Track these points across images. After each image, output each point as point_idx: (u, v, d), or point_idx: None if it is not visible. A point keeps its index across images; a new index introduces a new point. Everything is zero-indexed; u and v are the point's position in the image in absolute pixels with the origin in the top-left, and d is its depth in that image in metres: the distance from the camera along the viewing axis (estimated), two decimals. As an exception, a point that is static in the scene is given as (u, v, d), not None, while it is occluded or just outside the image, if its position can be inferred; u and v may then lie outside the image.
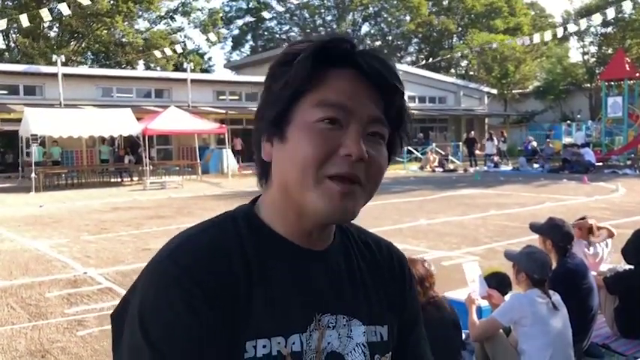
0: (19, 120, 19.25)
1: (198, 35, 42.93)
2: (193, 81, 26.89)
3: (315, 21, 50.87)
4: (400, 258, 1.03)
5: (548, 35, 25.25)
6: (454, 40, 49.81)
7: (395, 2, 48.57)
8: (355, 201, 0.83)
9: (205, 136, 25.59)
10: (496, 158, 24.69)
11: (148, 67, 39.59)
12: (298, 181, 0.82)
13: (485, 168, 23.81)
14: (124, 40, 38.00)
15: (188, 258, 0.81)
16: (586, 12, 32.70)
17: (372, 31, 52.63)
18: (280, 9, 49.88)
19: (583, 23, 24.58)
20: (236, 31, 53.87)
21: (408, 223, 9.75)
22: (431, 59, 37.31)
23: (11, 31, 33.81)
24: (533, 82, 43.00)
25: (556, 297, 3.21)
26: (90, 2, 19.16)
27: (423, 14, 47.33)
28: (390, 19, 50.38)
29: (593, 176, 18.22)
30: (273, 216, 0.88)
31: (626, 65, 23.27)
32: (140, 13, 38.72)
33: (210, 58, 54.00)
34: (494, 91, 38.44)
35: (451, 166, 24.27)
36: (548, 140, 26.49)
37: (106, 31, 37.05)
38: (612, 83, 24.47)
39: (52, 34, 37.14)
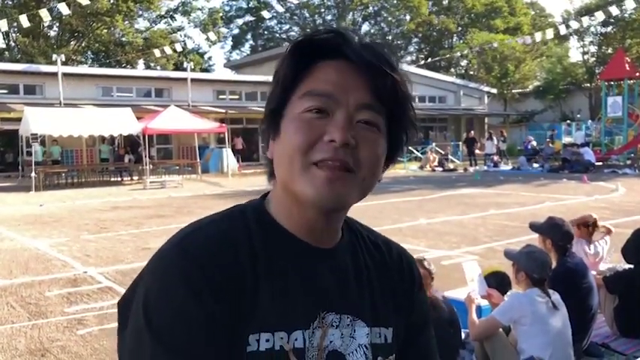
0: (19, 119, 19.25)
1: (198, 34, 42.98)
2: (193, 80, 26.87)
3: (315, 20, 50.84)
4: (409, 261, 1.03)
5: (549, 34, 25.26)
6: (454, 40, 49.81)
7: (395, 2, 48.57)
8: (345, 188, 0.82)
9: (205, 135, 25.59)
10: (496, 158, 24.69)
11: (148, 67, 39.59)
12: (288, 170, 0.83)
13: (485, 167, 23.81)
14: (123, 39, 38.00)
15: (196, 249, 0.81)
16: (586, 11, 32.67)
17: (372, 31, 52.56)
18: (280, 9, 49.87)
19: (585, 21, 24.54)
20: (236, 31, 53.90)
21: (407, 223, 9.75)
22: (430, 59, 37.24)
23: (11, 31, 33.79)
24: (533, 82, 43.01)
25: (556, 296, 3.21)
26: (89, 2, 19.10)
27: (423, 14, 47.32)
28: (390, 18, 50.38)
29: (593, 176, 18.22)
30: (280, 212, 0.89)
31: (626, 65, 23.27)
32: (140, 12, 38.72)
33: (210, 58, 54.01)
34: (494, 91, 38.43)
35: (451, 166, 24.27)
36: (548, 140, 26.49)
37: (106, 31, 37.07)
38: (612, 83, 24.47)
39: (52, 33, 37.14)
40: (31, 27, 27.33)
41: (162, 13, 40.83)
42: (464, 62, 47.91)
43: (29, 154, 18.84)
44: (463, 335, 3.59)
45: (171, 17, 41.87)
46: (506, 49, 35.59)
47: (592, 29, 39.44)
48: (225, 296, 0.80)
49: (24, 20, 18.77)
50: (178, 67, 36.15)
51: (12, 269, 6.90)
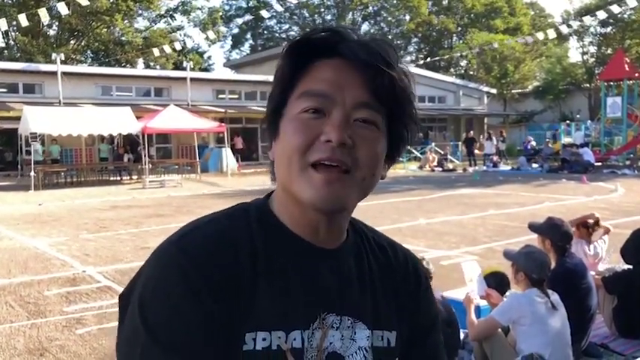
0: (18, 118, 19.22)
1: (198, 34, 42.95)
2: (193, 80, 26.86)
3: (314, 20, 50.85)
4: (415, 262, 1.02)
5: (551, 34, 25.24)
6: (454, 40, 49.84)
7: (395, 2, 48.59)
8: (344, 189, 0.81)
9: (205, 134, 25.58)
10: (495, 158, 24.70)
11: (147, 66, 39.57)
12: (287, 171, 0.83)
13: (484, 168, 23.82)
14: (123, 38, 37.98)
15: (195, 247, 0.81)
16: (585, 12, 32.70)
17: (372, 31, 52.56)
18: (280, 8, 49.88)
19: (585, 20, 24.53)
20: (236, 30, 53.92)
21: (407, 223, 9.75)
22: (430, 59, 37.26)
23: (10, 29, 33.77)
24: (533, 82, 43.05)
25: (555, 296, 3.21)
26: (88, 2, 19.08)
27: (422, 14, 47.34)
28: (389, 18, 50.41)
29: (592, 176, 18.23)
30: (282, 211, 0.89)
31: (626, 65, 23.28)
32: (140, 11, 38.70)
33: (209, 57, 53.92)
34: (494, 91, 38.45)
35: (450, 166, 24.28)
36: (547, 140, 26.50)
37: (105, 30, 37.04)
38: (611, 83, 24.49)
39: (52, 32, 37.12)
40: (31, 26, 27.33)
41: (162, 12, 40.83)
42: (463, 62, 47.94)
43: (28, 153, 18.82)
44: (462, 335, 3.59)
45: (171, 17, 41.86)
46: (505, 50, 35.60)
47: (591, 30, 39.49)
48: (222, 295, 0.79)
49: (23, 19, 18.75)
50: (178, 66, 36.14)
51: (11, 268, 6.89)
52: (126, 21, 36.83)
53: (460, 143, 29.89)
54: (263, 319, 0.82)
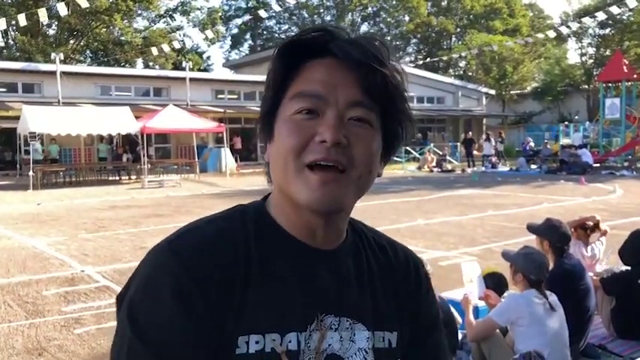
0: (17, 117, 19.22)
1: (197, 34, 42.91)
2: (192, 80, 26.86)
3: (314, 21, 50.86)
4: (416, 262, 1.01)
5: (550, 34, 25.29)
6: (453, 41, 49.88)
7: (394, 2, 48.62)
8: (340, 189, 0.81)
9: (204, 134, 25.58)
10: (494, 159, 24.72)
11: (146, 66, 39.55)
12: (283, 173, 0.83)
13: (483, 168, 23.83)
14: (122, 38, 37.96)
15: (186, 250, 0.81)
16: (584, 13, 32.75)
17: (371, 31, 52.64)
18: (279, 9, 49.89)
19: (584, 21, 24.56)
20: (235, 30, 53.93)
21: (405, 223, 9.76)
22: (428, 59, 37.29)
23: (10, 29, 33.74)
24: (532, 83, 43.11)
25: (553, 297, 3.22)
26: (88, 4, 19.06)
27: (421, 14, 47.38)
28: (389, 19, 50.45)
29: (591, 177, 18.25)
30: (279, 213, 0.88)
31: (624, 67, 23.32)
32: (139, 11, 38.69)
33: (209, 57, 53.87)
34: (493, 92, 38.50)
35: (449, 167, 24.29)
36: (545, 141, 26.54)
37: (104, 30, 37.01)
38: (610, 85, 24.52)
39: (51, 32, 37.09)
40: (30, 25, 27.30)
41: (162, 12, 40.82)
42: (462, 63, 47.98)
43: (27, 152, 18.81)
44: (460, 336, 3.59)
45: (171, 17, 41.86)
46: (504, 51, 35.64)
47: (590, 31, 39.55)
48: (214, 298, 0.79)
49: (22, 19, 18.73)
50: (177, 66, 36.14)
51: (9, 268, 6.88)
52: (125, 21, 36.80)
53: (459, 144, 29.92)
54: (257, 322, 0.81)
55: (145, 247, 7.81)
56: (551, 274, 3.41)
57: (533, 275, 3.19)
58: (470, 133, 28.23)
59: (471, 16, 48.07)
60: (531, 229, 3.92)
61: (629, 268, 4.12)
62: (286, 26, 54.06)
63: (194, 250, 0.81)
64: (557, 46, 42.03)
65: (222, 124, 21.84)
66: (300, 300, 0.84)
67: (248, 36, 55.16)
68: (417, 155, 26.79)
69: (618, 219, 9.46)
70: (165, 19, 41.79)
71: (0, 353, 4.20)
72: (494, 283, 3.82)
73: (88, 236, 8.99)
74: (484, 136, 27.38)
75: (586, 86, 39.46)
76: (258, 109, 0.91)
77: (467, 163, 25.06)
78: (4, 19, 20.11)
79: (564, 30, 29.77)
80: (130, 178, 20.84)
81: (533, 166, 23.25)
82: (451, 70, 48.72)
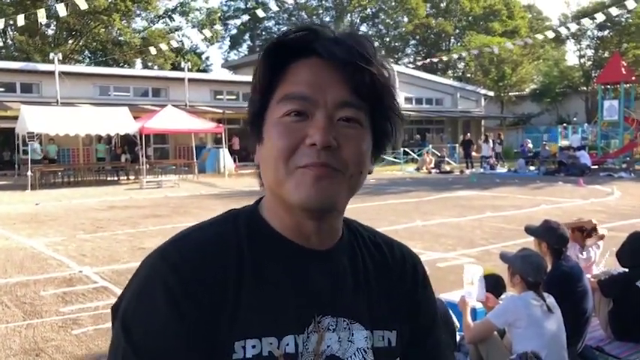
0: (15, 118, 19.20)
1: (196, 35, 42.92)
2: (191, 80, 26.85)
3: (313, 22, 50.92)
4: (414, 260, 1.00)
5: (549, 34, 25.33)
6: (451, 42, 49.95)
7: (393, 4, 48.67)
8: (332, 186, 0.80)
9: (202, 135, 25.59)
10: (492, 160, 24.75)
11: (145, 66, 39.54)
12: (274, 176, 0.82)
13: (481, 170, 23.85)
14: (121, 38, 37.95)
15: (178, 256, 0.81)
16: (582, 15, 32.82)
17: (370, 33, 52.66)
18: (278, 9, 49.90)
19: (583, 23, 24.59)
20: (234, 31, 53.95)
21: (404, 225, 9.76)
22: (427, 61, 37.31)
23: (8, 29, 33.72)
24: (530, 85, 43.19)
25: (550, 299, 3.22)
26: (87, 6, 19.04)
27: (420, 16, 47.43)
28: (387, 20, 50.50)
29: (589, 179, 18.28)
30: (271, 215, 0.88)
31: (622, 69, 23.36)
32: (138, 12, 38.68)
33: (207, 58, 53.98)
34: (491, 94, 38.56)
35: (447, 168, 24.31)
36: (544, 142, 26.58)
37: (103, 30, 37.00)
38: (608, 86, 24.56)
39: (50, 32, 37.07)
40: (28, 25, 27.28)
41: (161, 13, 40.83)
42: (461, 65, 48.03)
43: (25, 152, 18.79)
44: (458, 338, 3.59)
45: (170, 17, 41.88)
46: (503, 52, 35.70)
47: (589, 33, 39.62)
48: (206, 303, 0.79)
49: (20, 20, 18.72)
50: (176, 67, 36.13)
51: (7, 268, 6.87)
52: (124, 21, 36.79)
53: (457, 145, 29.96)
54: (252, 326, 0.80)
55: (143, 248, 7.81)
56: (549, 276, 3.41)
57: (530, 277, 3.19)
58: (468, 134, 28.26)
59: (470, 18, 48.15)
60: (529, 231, 3.92)
61: (626, 270, 4.13)
62: (285, 27, 53.87)
63: (185, 257, 0.81)
64: (555, 48, 42.10)
65: (220, 125, 21.83)
66: (296, 302, 0.83)
67: (247, 37, 55.18)
68: (416, 156, 26.82)
69: (616, 221, 9.48)
70: (164, 19, 41.85)
71: (-3, 354, 4.19)
72: (491, 284, 3.82)
73: (86, 237, 8.98)
74: (483, 138, 27.42)
75: (584, 88, 39.52)
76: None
77: (465, 165, 25.09)
78: (2, 19, 20.08)
79: (563, 31, 29.82)
80: (128, 179, 20.83)
81: (532, 168, 23.27)
82: (450, 72, 48.79)
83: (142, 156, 19.13)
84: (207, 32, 32.64)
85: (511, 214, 10.88)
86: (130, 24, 38.75)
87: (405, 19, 49.70)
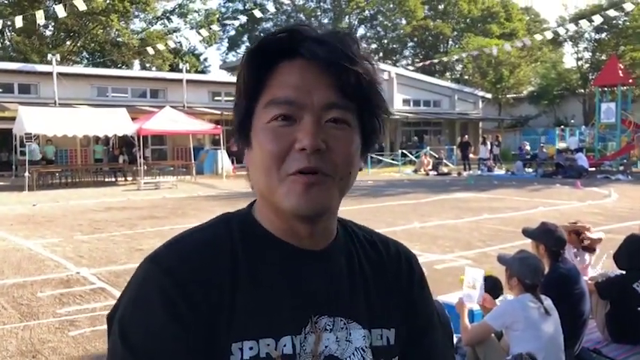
0: (13, 118, 19.17)
1: (194, 36, 42.92)
2: (189, 81, 26.85)
3: (311, 24, 50.90)
4: (410, 258, 0.99)
5: (548, 35, 25.39)
6: (449, 44, 50.03)
7: (391, 6, 48.73)
8: (323, 192, 0.80)
9: (200, 136, 25.56)
10: (490, 162, 24.78)
11: (143, 67, 39.52)
12: (265, 182, 0.82)
13: (479, 172, 23.88)
14: (119, 39, 37.92)
15: (171, 260, 0.81)
16: (580, 18, 32.91)
17: (368, 34, 52.76)
18: (275, 11, 49.94)
19: (582, 24, 24.65)
20: (232, 32, 53.94)
21: (401, 226, 9.76)
22: (425, 62, 37.38)
23: (6, 29, 33.66)
24: (528, 87, 43.30)
25: (548, 302, 3.22)
26: (85, 7, 19.02)
27: (418, 18, 47.50)
28: (386, 22, 50.55)
29: (586, 181, 18.30)
30: (264, 218, 0.88)
31: (620, 71, 23.43)
32: (136, 13, 38.66)
33: (206, 59, 53.99)
34: (489, 96, 38.63)
35: (445, 170, 24.33)
36: (541, 145, 26.63)
37: (101, 31, 36.97)
38: (606, 89, 24.63)
39: (48, 32, 37.02)
40: (26, 26, 27.24)
41: (159, 14, 40.81)
42: (459, 67, 48.11)
43: (23, 153, 18.76)
44: (455, 340, 3.59)
45: (168, 19, 41.85)
46: (501, 55, 35.77)
47: (586, 35, 39.73)
48: (202, 307, 0.79)
49: (19, 21, 18.69)
50: (174, 68, 36.11)
51: (4, 269, 6.86)
52: (122, 22, 36.76)
53: (455, 147, 30.00)
54: (248, 328, 0.80)
55: (140, 249, 7.79)
56: (546, 279, 3.41)
57: (528, 280, 3.20)
58: (466, 136, 28.30)
59: (468, 20, 48.24)
60: (527, 233, 3.93)
61: (624, 272, 4.13)
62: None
63: (178, 260, 0.81)
64: (553, 51, 42.21)
65: (218, 126, 21.83)
66: (292, 303, 0.83)
67: (245, 38, 55.14)
68: (414, 158, 26.84)
69: (613, 223, 9.50)
70: (162, 21, 41.81)
71: (-6, 355, 4.18)
72: (489, 287, 3.82)
73: (83, 238, 8.97)
74: (480, 140, 27.45)
75: (582, 90, 39.60)
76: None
77: (463, 167, 25.11)
78: (0, 20, 20.04)
79: (562, 31, 29.90)
80: (126, 180, 20.80)
81: (529, 170, 23.31)
82: (448, 74, 48.86)
83: (140, 157, 19.11)
84: (205, 32, 32.65)
85: (508, 216, 10.89)
86: (128, 25, 38.72)
87: (403, 21, 49.76)
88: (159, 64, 38.23)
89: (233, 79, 32.26)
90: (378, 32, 51.93)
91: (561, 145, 27.62)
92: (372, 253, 0.95)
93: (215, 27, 38.97)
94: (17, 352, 4.24)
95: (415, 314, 0.96)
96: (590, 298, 3.88)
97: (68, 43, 37.88)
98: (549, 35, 25.76)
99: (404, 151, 27.44)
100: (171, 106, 21.47)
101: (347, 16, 51.02)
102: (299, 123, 0.80)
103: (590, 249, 4.62)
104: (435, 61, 38.22)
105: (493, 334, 3.34)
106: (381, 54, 51.56)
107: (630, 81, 24.38)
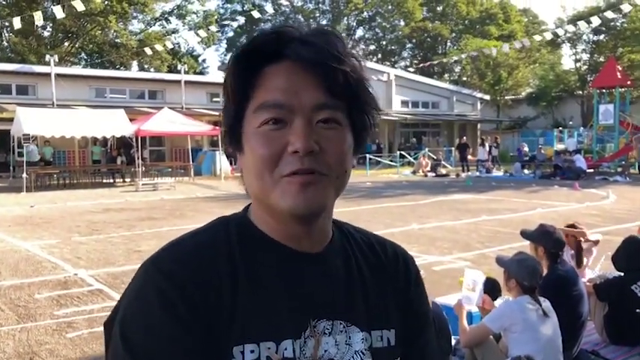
0: (10, 119, 19.14)
1: (192, 37, 42.94)
2: (187, 83, 26.84)
3: (310, 25, 50.87)
4: (407, 259, 0.99)
5: (547, 35, 25.43)
6: (448, 46, 50.09)
7: (389, 7, 48.79)
8: (320, 190, 0.80)
9: (198, 137, 25.54)
10: (488, 164, 24.79)
11: (141, 69, 39.50)
12: (259, 186, 0.82)
13: (477, 173, 23.90)
14: (117, 41, 37.90)
15: (171, 263, 0.81)
16: (578, 19, 32.97)
17: (367, 36, 52.84)
18: (274, 12, 49.97)
19: (580, 26, 24.69)
20: (231, 34, 53.93)
21: (400, 228, 9.76)
22: (424, 64, 37.42)
23: (4, 30, 33.63)
24: (526, 89, 43.35)
25: (546, 304, 3.22)
26: (83, 7, 19.01)
27: (417, 19, 47.55)
28: (384, 23, 50.59)
29: (584, 183, 18.33)
30: (260, 222, 0.88)
31: (618, 73, 23.47)
32: (135, 14, 38.65)
33: (204, 60, 54.04)
34: (487, 97, 38.66)
35: (443, 171, 24.35)
36: (540, 146, 26.65)
37: (99, 32, 36.95)
38: (604, 91, 24.67)
39: (46, 33, 36.98)
40: (24, 27, 27.22)
41: (157, 15, 40.79)
42: (457, 68, 48.17)
43: (21, 154, 18.72)
44: (453, 342, 3.59)
45: (166, 20, 41.84)
46: (499, 56, 35.81)
47: (584, 37, 39.80)
48: (202, 309, 0.79)
49: (17, 22, 18.67)
50: (172, 69, 36.10)
51: (1, 271, 6.84)
52: (120, 23, 36.74)
53: (453, 149, 30.02)
54: (248, 331, 0.80)
55: (138, 251, 7.78)
56: (544, 280, 3.41)
57: (526, 281, 3.19)
58: (464, 137, 28.32)
59: (467, 22, 48.30)
60: (525, 235, 3.93)
61: (622, 274, 4.13)
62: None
63: (177, 263, 0.81)
64: (551, 52, 42.27)
65: (217, 127, 21.79)
66: (289, 306, 0.83)
67: (243, 39, 55.03)
68: (412, 160, 26.86)
69: (611, 225, 9.51)
70: (160, 22, 41.79)
71: (-9, 357, 4.17)
72: (487, 288, 3.82)
73: (81, 239, 8.95)
74: (479, 141, 27.47)
75: (580, 92, 39.66)
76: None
77: (461, 168, 25.13)
78: (-2, 20, 20.03)
79: (560, 32, 29.94)
80: (124, 181, 20.78)
81: (527, 172, 23.33)
82: (446, 75, 48.91)
83: (138, 158, 19.09)
84: (203, 33, 32.65)
85: (507, 218, 10.90)
86: (126, 26, 38.70)
87: (402, 23, 49.80)
88: (157, 66, 38.23)
89: (231, 80, 32.37)
90: (376, 34, 51.98)
91: (559, 146, 27.65)
92: (370, 255, 0.95)
93: (213, 28, 39.08)
94: (14, 354, 4.22)
95: (412, 313, 0.96)
96: (589, 299, 3.88)
97: (66, 44, 37.85)
98: (548, 36, 25.76)
99: (402, 152, 27.45)
100: (170, 108, 21.47)
101: (345, 18, 51.07)
102: (290, 126, 0.80)
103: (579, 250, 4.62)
104: (434, 62, 38.26)
105: (491, 336, 3.33)
106: (379, 55, 51.63)
107: (628, 82, 24.43)
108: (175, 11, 41.82)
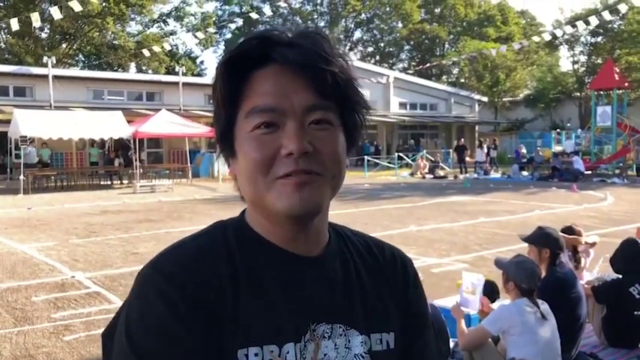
0: (8, 121, 19.10)
1: (190, 39, 42.93)
2: (185, 84, 26.82)
3: (307, 27, 50.87)
4: (405, 261, 0.99)
5: (545, 36, 25.46)
6: (446, 48, 50.16)
7: (387, 9, 48.84)
8: (315, 189, 0.81)
9: (196, 139, 25.51)
10: (486, 166, 24.81)
11: (139, 70, 39.48)
12: (254, 189, 0.83)
13: (475, 175, 23.92)
14: (115, 42, 37.87)
15: (172, 266, 0.81)
16: (576, 21, 33.04)
17: (365, 38, 52.88)
18: (272, 14, 49.94)
19: (578, 27, 24.71)
20: (228, 36, 53.93)
21: (397, 230, 9.76)
22: (422, 66, 37.45)
23: (1, 32, 33.59)
24: (524, 91, 43.41)
25: (545, 306, 3.22)
26: (81, 8, 18.98)
27: (415, 21, 47.62)
28: (382, 25, 50.63)
29: (582, 184, 18.35)
30: (257, 225, 0.88)
31: (615, 75, 23.50)
32: (133, 16, 38.63)
33: (202, 62, 53.94)
34: (485, 99, 38.71)
35: (441, 173, 24.36)
36: (538, 148, 26.68)
37: (97, 33, 36.92)
38: (601, 92, 24.71)
39: (44, 35, 36.93)
40: (22, 29, 27.20)
41: (155, 17, 40.77)
42: (455, 70, 48.24)
43: (18, 156, 18.68)
44: (452, 344, 3.58)
45: (164, 21, 41.81)
46: (497, 58, 35.86)
47: (582, 39, 39.88)
48: (204, 311, 0.79)
49: (14, 24, 18.63)
50: (170, 71, 36.06)
51: (-2, 273, 6.82)
52: (118, 25, 36.71)
53: (451, 150, 30.04)
54: (253, 333, 0.80)
55: (136, 253, 7.76)
56: (543, 283, 3.41)
57: (524, 284, 3.19)
58: (462, 139, 28.35)
59: (465, 23, 48.37)
60: (528, 240, 3.91)
61: (620, 276, 4.13)
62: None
63: (177, 265, 0.81)
64: (549, 54, 42.36)
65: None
66: (289, 310, 0.83)
67: (241, 41, 55.18)
68: (410, 161, 26.87)
69: (609, 227, 9.52)
70: (158, 23, 41.77)
71: (-13, 360, 4.15)
72: (486, 291, 3.82)
73: (78, 241, 8.93)
74: (477, 143, 27.49)
75: (578, 94, 39.74)
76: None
77: (459, 170, 25.15)
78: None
79: (559, 33, 30.00)
80: (121, 183, 20.75)
81: (525, 173, 23.36)
82: (444, 77, 48.96)
83: (136, 160, 19.07)
84: (201, 35, 32.62)
85: (505, 220, 10.91)
86: (124, 28, 38.66)
87: (400, 25, 49.85)
88: (155, 67, 38.20)
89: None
90: (374, 35, 52.02)
91: (557, 148, 27.70)
92: (368, 258, 0.95)
93: (211, 30, 39.05)
94: (11, 357, 4.21)
95: (411, 315, 0.96)
96: (587, 302, 3.88)
97: (64, 45, 37.79)
98: (546, 37, 25.79)
99: (400, 154, 27.47)
100: (168, 109, 21.44)
101: (343, 19, 51.10)
102: (282, 129, 0.80)
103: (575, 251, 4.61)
104: (432, 64, 38.30)
105: (490, 339, 3.33)
106: (377, 57, 51.68)
107: (626, 84, 24.46)
108: (173, 13, 41.82)
